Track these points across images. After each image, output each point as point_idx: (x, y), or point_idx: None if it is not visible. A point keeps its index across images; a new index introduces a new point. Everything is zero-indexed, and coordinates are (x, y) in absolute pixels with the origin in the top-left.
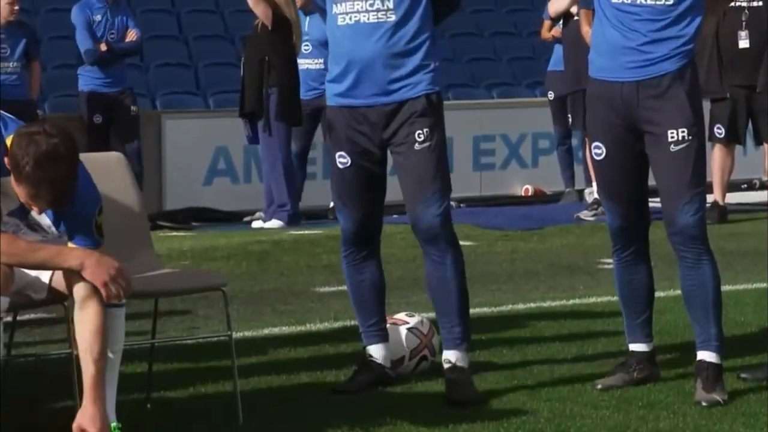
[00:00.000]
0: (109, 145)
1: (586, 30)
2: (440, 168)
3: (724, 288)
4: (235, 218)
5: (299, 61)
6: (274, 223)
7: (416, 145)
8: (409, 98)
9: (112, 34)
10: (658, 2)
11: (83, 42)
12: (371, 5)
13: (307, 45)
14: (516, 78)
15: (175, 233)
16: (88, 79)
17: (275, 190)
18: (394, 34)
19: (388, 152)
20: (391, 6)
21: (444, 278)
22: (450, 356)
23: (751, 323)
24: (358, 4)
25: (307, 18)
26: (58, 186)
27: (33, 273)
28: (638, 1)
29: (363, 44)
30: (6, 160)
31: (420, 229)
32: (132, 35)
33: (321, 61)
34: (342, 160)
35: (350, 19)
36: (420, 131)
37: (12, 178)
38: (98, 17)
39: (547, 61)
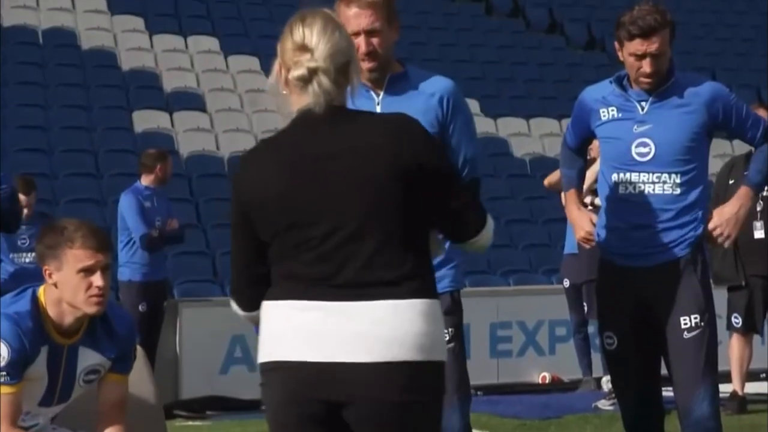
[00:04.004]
0: (157, 332)
1: (572, 210)
2: (459, 370)
3: None
4: (253, 407)
5: None
6: None
7: None
8: None
9: (158, 220)
10: (665, 192)
11: (139, 228)
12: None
13: None
14: (532, 265)
15: (191, 422)
16: (136, 267)
17: None
18: None
19: None
20: None
21: None
22: None
23: None
24: None
25: None
26: None
27: None
28: (645, 191)
29: None
30: None
31: None
32: (174, 224)
33: None
34: None
35: None
36: (445, 330)
37: None
38: (147, 203)
39: (563, 248)
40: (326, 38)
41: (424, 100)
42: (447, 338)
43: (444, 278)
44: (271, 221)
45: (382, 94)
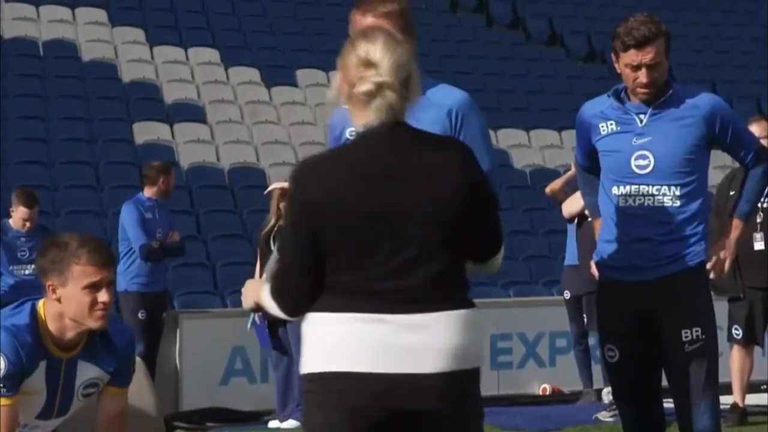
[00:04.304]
0: (156, 343)
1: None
2: None
3: None
4: (253, 418)
5: None
6: (291, 423)
7: None
8: None
9: (159, 232)
10: (665, 204)
11: (138, 238)
12: None
13: None
14: (533, 277)
15: None
16: (134, 278)
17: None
18: None
19: None
20: None
21: None
22: None
23: None
24: None
25: None
26: None
27: None
28: (645, 204)
29: None
30: None
31: None
32: (175, 236)
33: None
34: None
35: None
36: None
37: None
38: (149, 215)
39: (564, 260)
40: (390, 53)
41: (434, 111)
42: None
43: None
44: (335, 231)
45: None
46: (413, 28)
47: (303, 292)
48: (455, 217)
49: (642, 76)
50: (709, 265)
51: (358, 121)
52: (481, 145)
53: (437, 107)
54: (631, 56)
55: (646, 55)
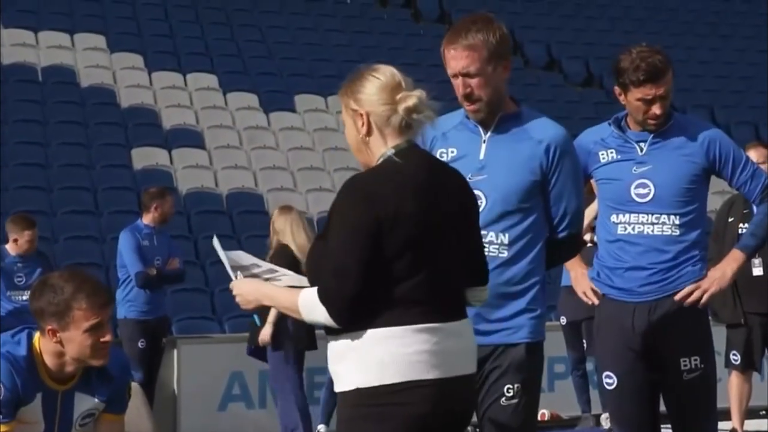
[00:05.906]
0: (156, 370)
1: (577, 271)
2: (522, 430)
3: None
4: None
5: None
6: None
7: (503, 400)
8: (507, 343)
9: (158, 259)
10: (665, 232)
11: (134, 265)
12: (484, 235)
13: None
14: None
15: None
16: (133, 305)
17: (284, 414)
18: (505, 271)
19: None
20: (506, 241)
21: None
22: None
23: None
24: None
25: None
26: None
27: None
28: (645, 232)
29: None
30: None
31: None
32: (175, 263)
33: None
34: None
35: None
36: (510, 385)
37: None
38: (146, 242)
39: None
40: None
41: (531, 145)
42: (510, 394)
43: (522, 327)
44: (403, 239)
45: (489, 132)
46: (506, 57)
47: (360, 301)
48: (471, 232)
49: (656, 109)
50: (686, 298)
51: (391, 142)
52: (573, 184)
53: (535, 142)
54: (646, 90)
55: (660, 88)
